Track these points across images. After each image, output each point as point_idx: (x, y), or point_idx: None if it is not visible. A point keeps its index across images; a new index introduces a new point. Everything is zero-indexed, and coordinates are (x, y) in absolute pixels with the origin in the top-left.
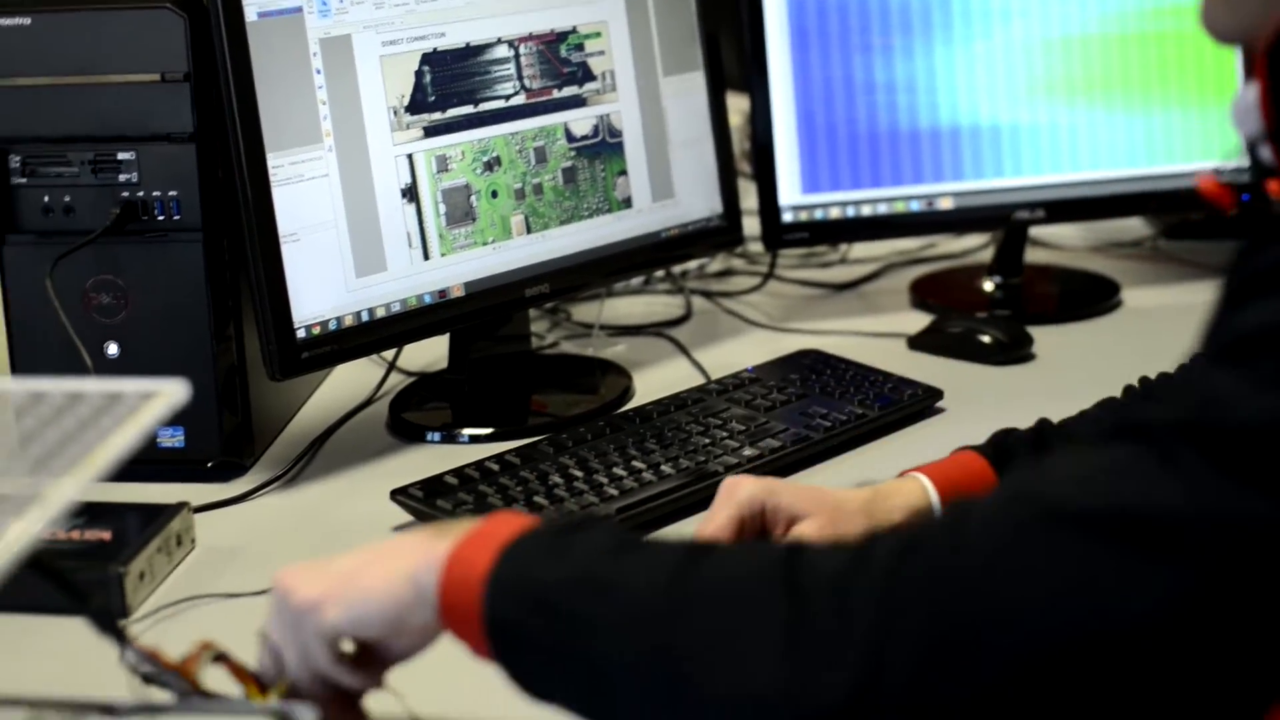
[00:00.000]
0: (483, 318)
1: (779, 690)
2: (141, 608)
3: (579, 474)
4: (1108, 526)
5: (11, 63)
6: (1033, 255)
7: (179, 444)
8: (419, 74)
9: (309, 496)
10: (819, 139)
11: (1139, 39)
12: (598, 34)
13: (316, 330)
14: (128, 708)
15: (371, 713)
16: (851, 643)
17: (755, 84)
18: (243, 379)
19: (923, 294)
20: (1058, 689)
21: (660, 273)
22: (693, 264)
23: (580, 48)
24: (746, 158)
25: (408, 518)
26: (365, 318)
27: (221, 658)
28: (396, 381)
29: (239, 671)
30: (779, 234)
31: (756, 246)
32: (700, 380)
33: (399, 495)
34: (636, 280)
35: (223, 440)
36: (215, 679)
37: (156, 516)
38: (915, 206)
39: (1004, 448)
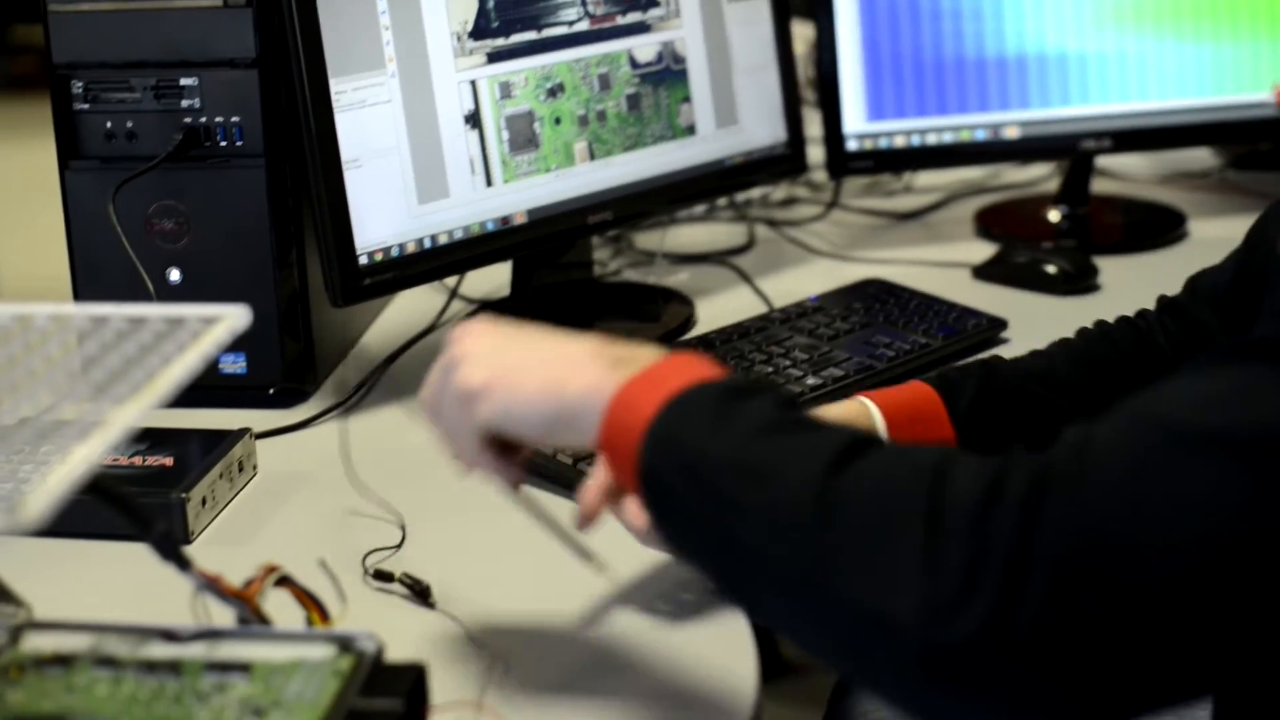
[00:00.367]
0: (545, 245)
1: (911, 613)
2: (203, 533)
3: None
4: (1235, 445)
5: None
6: (1099, 185)
7: (241, 370)
8: (482, 0)
9: (370, 423)
10: (884, 66)
11: None
12: None
13: (379, 257)
14: (189, 633)
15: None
16: (985, 576)
17: (820, 10)
18: (305, 305)
19: (987, 224)
20: (1188, 614)
21: (723, 200)
22: (756, 192)
23: None
24: (811, 85)
25: None
26: (428, 244)
27: (284, 582)
28: (458, 309)
29: (302, 596)
30: (843, 162)
31: (820, 175)
32: (763, 309)
33: None
34: (699, 208)
35: (285, 367)
36: (278, 604)
37: (218, 443)
38: (981, 135)
39: (951, 381)
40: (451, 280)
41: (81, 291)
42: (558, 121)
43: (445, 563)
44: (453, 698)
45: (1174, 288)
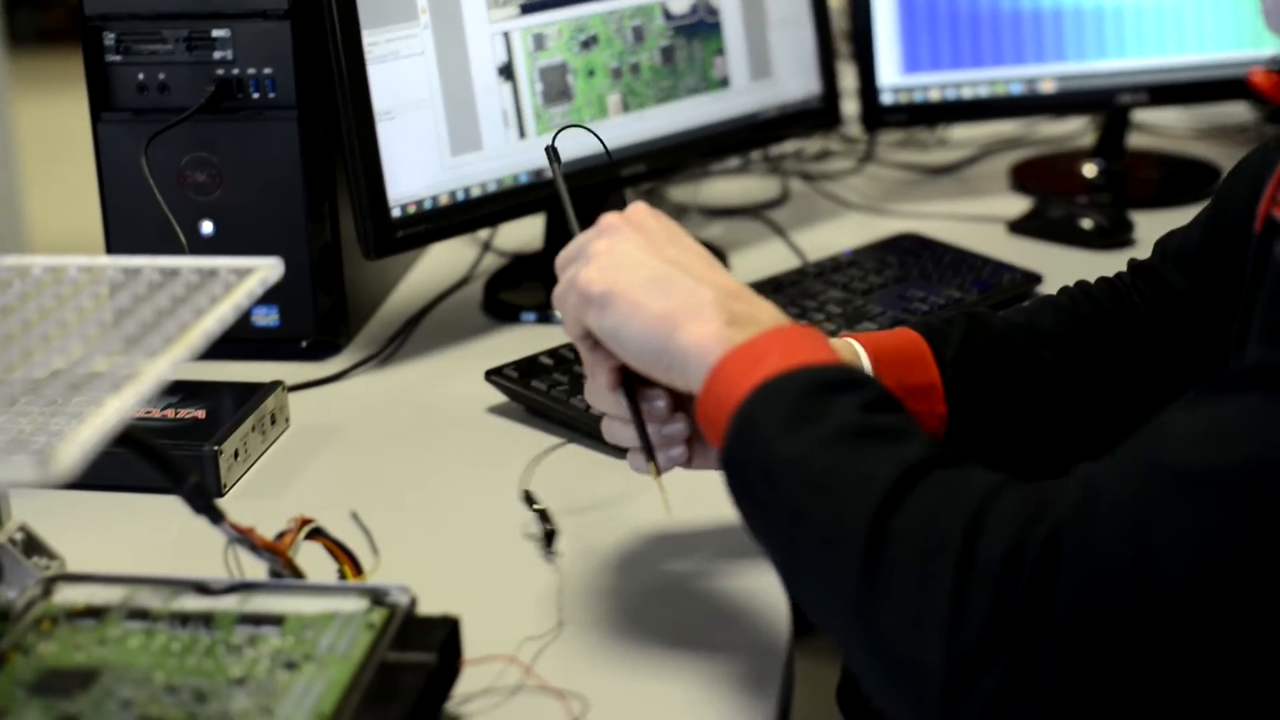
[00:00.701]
0: (578, 197)
1: (938, 665)
2: (235, 486)
3: None
4: (1238, 482)
5: None
6: (1135, 140)
7: (273, 323)
8: None
9: (403, 376)
10: (920, 19)
11: None
12: None
13: (411, 209)
14: (222, 586)
15: None
16: (1006, 632)
17: None
18: (337, 258)
19: (1022, 178)
20: (1203, 657)
21: (757, 154)
22: (790, 146)
23: None
24: (846, 38)
25: (502, 398)
26: (461, 197)
27: (317, 534)
28: (491, 262)
29: (334, 549)
30: (878, 116)
31: (855, 129)
32: (797, 263)
33: (493, 376)
34: (733, 161)
35: (317, 319)
36: (310, 557)
37: (251, 395)
38: (1016, 90)
39: (936, 329)
40: (484, 233)
41: (114, 244)
42: (591, 74)
43: None
44: (486, 651)
45: None
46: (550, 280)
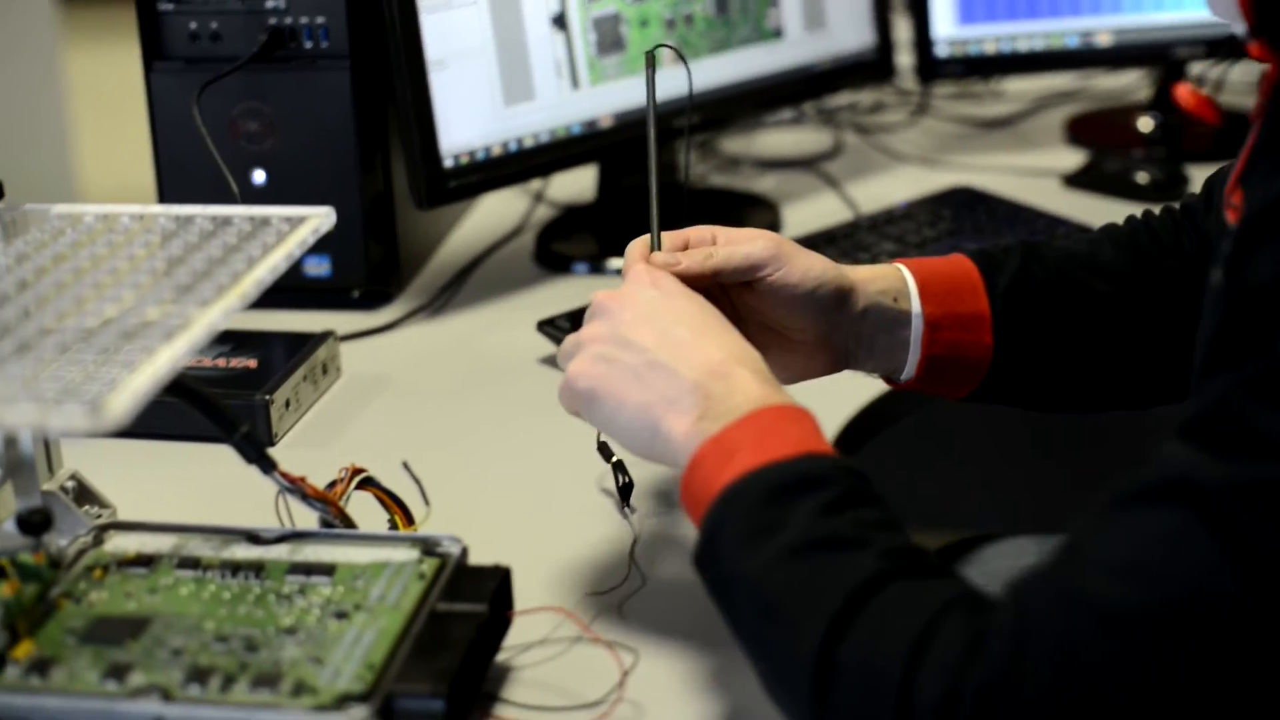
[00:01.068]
0: (631, 149)
1: None
2: (286, 436)
3: None
4: (1161, 620)
5: None
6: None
7: (325, 273)
8: None
9: (454, 326)
10: None
11: None
12: None
13: (464, 159)
14: (273, 535)
15: None
16: None
17: None
18: (389, 208)
19: (1078, 131)
20: None
21: (810, 106)
22: (844, 98)
23: None
24: None
25: (553, 349)
26: (513, 147)
27: (368, 484)
28: (543, 213)
29: (385, 499)
30: (933, 68)
31: (909, 81)
32: (850, 215)
33: (545, 326)
34: (787, 113)
35: (369, 269)
36: (361, 507)
37: (302, 345)
38: (1072, 42)
39: (992, 258)
40: (536, 183)
41: (166, 194)
42: (644, 24)
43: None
44: (537, 603)
45: None
46: (604, 231)
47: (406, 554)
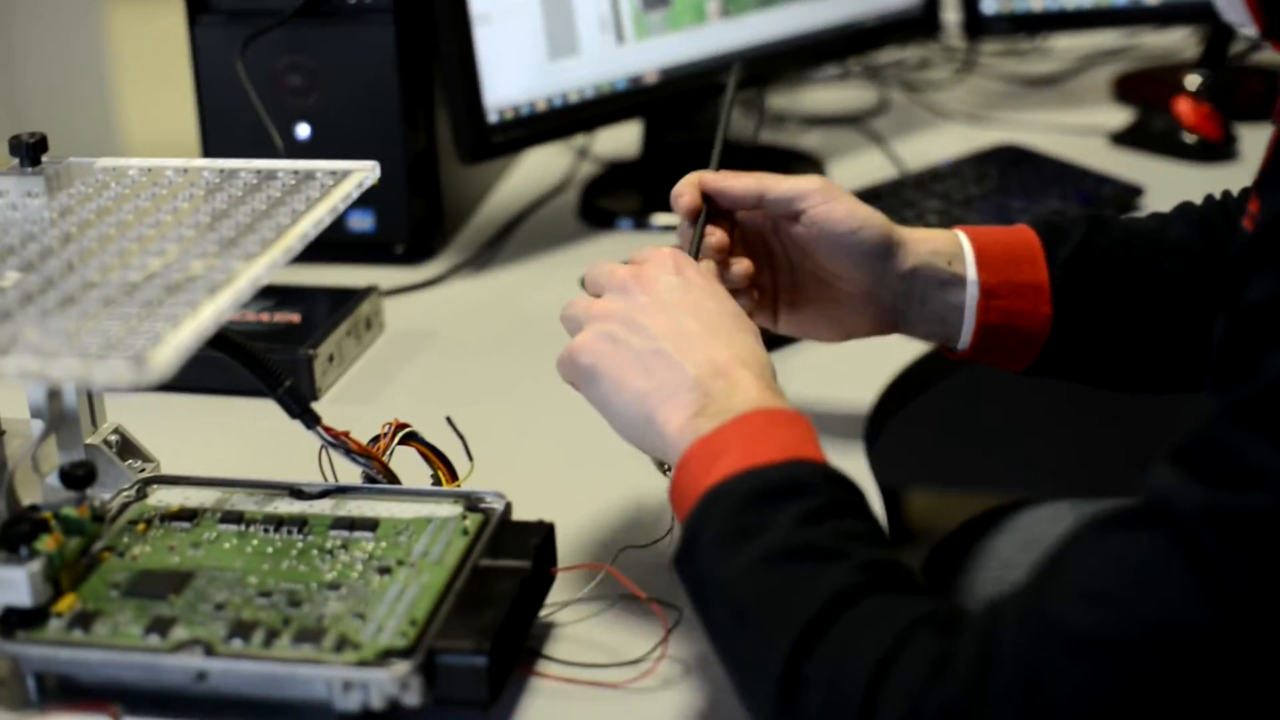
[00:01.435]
0: (676, 104)
1: None
2: (330, 390)
3: None
4: (1134, 651)
5: None
6: (1240, 50)
7: (369, 228)
8: None
9: (498, 282)
10: None
11: None
12: None
13: (508, 114)
14: (316, 490)
15: None
16: None
17: None
18: (433, 163)
19: (1125, 89)
20: None
21: (856, 63)
22: (889, 55)
23: None
24: None
25: None
26: (558, 103)
27: (411, 439)
28: (587, 169)
29: (429, 454)
30: (979, 24)
31: (954, 39)
32: (895, 173)
33: None
34: (832, 70)
35: (412, 224)
36: (404, 462)
37: (346, 300)
38: (1120, 0)
39: (1056, 228)
40: (580, 139)
41: (210, 148)
42: None
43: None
44: (580, 559)
45: None
46: (648, 187)
47: (450, 509)
